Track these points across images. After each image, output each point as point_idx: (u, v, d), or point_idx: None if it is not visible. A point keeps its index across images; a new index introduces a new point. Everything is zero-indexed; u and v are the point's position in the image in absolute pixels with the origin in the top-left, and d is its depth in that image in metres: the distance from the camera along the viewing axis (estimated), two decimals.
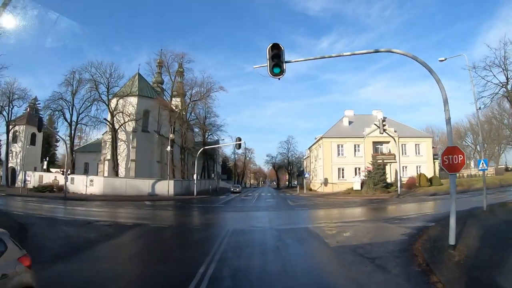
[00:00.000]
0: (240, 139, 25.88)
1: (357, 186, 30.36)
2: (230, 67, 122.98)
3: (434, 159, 40.54)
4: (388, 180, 34.20)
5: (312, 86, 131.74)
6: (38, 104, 43.67)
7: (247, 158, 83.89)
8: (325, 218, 14.09)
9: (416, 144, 38.33)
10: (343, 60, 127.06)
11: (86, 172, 41.29)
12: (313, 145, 44.42)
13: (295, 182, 75.19)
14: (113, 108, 33.52)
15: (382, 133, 22.68)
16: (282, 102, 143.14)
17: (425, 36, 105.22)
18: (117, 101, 35.06)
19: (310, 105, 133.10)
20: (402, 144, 37.14)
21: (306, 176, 36.85)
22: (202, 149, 33.63)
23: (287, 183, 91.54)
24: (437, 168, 40.61)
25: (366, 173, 30.23)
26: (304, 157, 56.00)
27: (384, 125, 21.97)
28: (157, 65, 45.37)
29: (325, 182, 35.42)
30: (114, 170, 31.76)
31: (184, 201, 25.10)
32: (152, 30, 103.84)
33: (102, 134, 42.91)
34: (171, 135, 31.80)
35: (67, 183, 30.71)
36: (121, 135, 38.31)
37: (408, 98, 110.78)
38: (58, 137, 32.99)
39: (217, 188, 42.74)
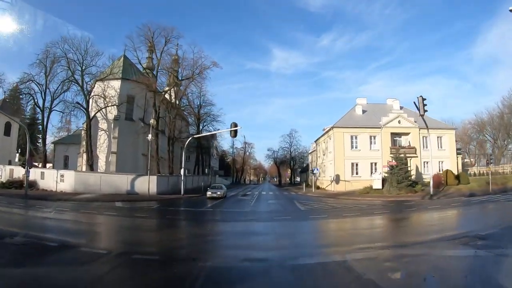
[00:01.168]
0: (236, 125, 20.86)
1: (377, 185, 25.48)
2: (231, 64, 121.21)
3: (457, 153, 35.69)
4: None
5: (312, 83, 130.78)
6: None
7: (247, 153, 79.03)
8: (362, 237, 9.13)
9: (438, 137, 33.35)
10: (343, 57, 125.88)
11: (66, 166, 36.64)
12: (320, 137, 39.35)
13: (298, 179, 70.38)
14: (88, 90, 28.54)
15: (422, 115, 17.52)
16: (282, 99, 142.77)
17: (425, 35, 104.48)
18: (95, 82, 30.08)
19: (311, 102, 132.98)
20: (423, 137, 32.31)
21: (315, 171, 31.73)
22: (190, 138, 28.74)
23: (288, 179, 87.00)
24: (460, 163, 35.84)
25: (388, 168, 25.27)
26: (309, 151, 50.98)
27: (425, 105, 16.83)
28: (148, 49, 40.10)
29: (337, 179, 30.48)
30: (88, 163, 26.88)
31: (165, 202, 20.20)
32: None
33: (82, 124, 38.08)
34: (152, 121, 26.82)
35: (37, 178, 26.49)
36: (102, 124, 33.44)
37: (408, 96, 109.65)
38: (20, 125, 27.71)
39: (211, 185, 37.89)
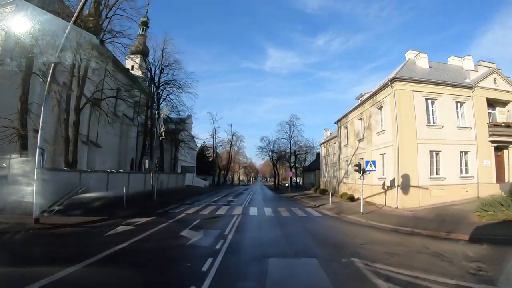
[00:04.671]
0: None
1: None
2: (226, 62, 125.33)
3: None
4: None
5: (306, 83, 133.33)
6: None
7: (235, 148, 62.95)
8: None
9: None
10: (338, 58, 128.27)
11: None
12: (351, 112, 23.56)
13: (298, 180, 54.76)
14: None
15: None
16: (276, 98, 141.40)
17: (420, 38, 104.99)
18: None
19: (305, 102, 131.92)
20: None
21: (368, 170, 14.37)
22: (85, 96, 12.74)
23: (284, 180, 71.05)
24: None
25: None
26: (321, 142, 35.27)
27: None
28: None
29: (404, 185, 14.93)
30: None
31: None
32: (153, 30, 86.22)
33: None
34: None
35: None
36: None
37: None
38: None
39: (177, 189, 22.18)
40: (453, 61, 22.45)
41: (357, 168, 13.88)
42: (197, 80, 64.62)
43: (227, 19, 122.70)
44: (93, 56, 16.93)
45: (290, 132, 45.60)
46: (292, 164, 47.71)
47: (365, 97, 20.83)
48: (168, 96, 29.52)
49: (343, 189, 24.05)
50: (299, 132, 46.42)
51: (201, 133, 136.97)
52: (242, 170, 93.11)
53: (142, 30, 44.80)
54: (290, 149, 46.12)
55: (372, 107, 19.15)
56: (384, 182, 16.63)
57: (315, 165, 41.45)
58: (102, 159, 25.23)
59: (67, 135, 16.29)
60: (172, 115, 32.04)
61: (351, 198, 19.54)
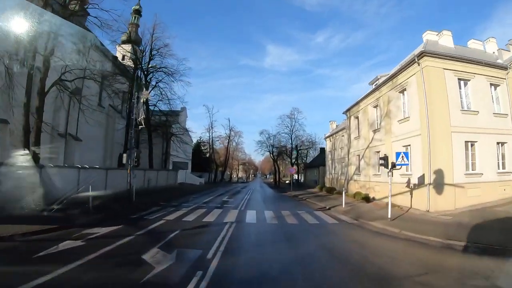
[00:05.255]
0: None
1: None
2: (225, 59, 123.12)
3: None
4: None
5: (305, 80, 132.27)
6: None
7: (234, 143, 60.22)
8: None
9: None
10: (338, 55, 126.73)
11: None
12: (365, 98, 20.60)
13: (300, 178, 52.05)
14: None
15: None
16: (275, 95, 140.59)
17: (420, 34, 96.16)
18: None
19: (304, 99, 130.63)
20: None
21: (400, 164, 11.19)
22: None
23: (283, 177, 68.59)
24: None
25: None
26: (326, 135, 32.43)
27: None
28: None
29: (437, 183, 12.20)
30: None
31: None
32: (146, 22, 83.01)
33: None
34: None
35: None
36: None
37: None
38: None
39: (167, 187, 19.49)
40: (473, 44, 19.59)
41: (383, 162, 11.11)
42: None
43: (225, 16, 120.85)
44: (60, 30, 14.10)
45: (291, 126, 42.74)
46: (294, 160, 44.91)
47: (381, 80, 18.01)
48: (157, 84, 26.71)
49: (353, 187, 21.33)
50: (300, 126, 43.46)
51: (199, 130, 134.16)
52: (241, 167, 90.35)
53: (134, 19, 41.85)
54: (291, 144, 43.28)
55: (391, 91, 16.34)
56: (409, 180, 13.91)
57: (319, 161, 38.70)
58: (83, 154, 22.46)
59: (27, 124, 13.49)
60: (163, 107, 29.23)
61: (366, 198, 16.82)
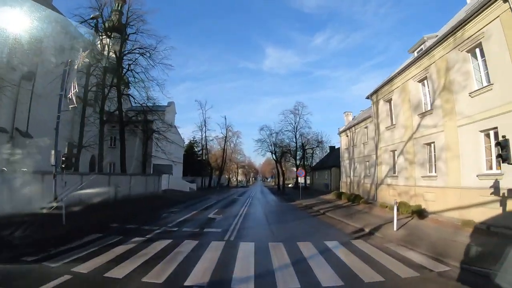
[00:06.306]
0: None
1: None
2: (224, 62, 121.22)
3: None
4: None
5: (305, 82, 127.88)
6: None
7: (232, 144, 54.71)
8: None
9: None
10: (337, 56, 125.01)
11: None
12: (403, 71, 14.92)
13: (302, 181, 46.31)
14: None
15: None
16: (274, 97, 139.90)
17: (419, 34, 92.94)
18: None
19: (304, 101, 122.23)
20: None
21: None
22: None
23: (286, 181, 62.90)
24: None
25: None
26: (340, 130, 26.73)
27: None
28: None
29: None
30: None
31: None
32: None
33: None
34: None
35: None
36: None
37: None
38: None
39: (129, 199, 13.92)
40: None
41: (503, 152, 5.65)
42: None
43: (224, 19, 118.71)
44: None
45: (295, 122, 37.21)
46: (299, 161, 39.34)
47: (429, 43, 12.54)
48: (129, 67, 21.46)
49: (386, 193, 15.80)
50: (305, 123, 37.94)
51: (196, 135, 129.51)
52: (240, 170, 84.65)
53: (118, 6, 36.76)
54: (296, 142, 37.67)
55: (451, 51, 10.83)
56: (497, 182, 8.39)
57: (330, 161, 33.10)
58: (34, 155, 17.13)
59: None
60: (137, 95, 23.62)
61: (418, 213, 11.27)
